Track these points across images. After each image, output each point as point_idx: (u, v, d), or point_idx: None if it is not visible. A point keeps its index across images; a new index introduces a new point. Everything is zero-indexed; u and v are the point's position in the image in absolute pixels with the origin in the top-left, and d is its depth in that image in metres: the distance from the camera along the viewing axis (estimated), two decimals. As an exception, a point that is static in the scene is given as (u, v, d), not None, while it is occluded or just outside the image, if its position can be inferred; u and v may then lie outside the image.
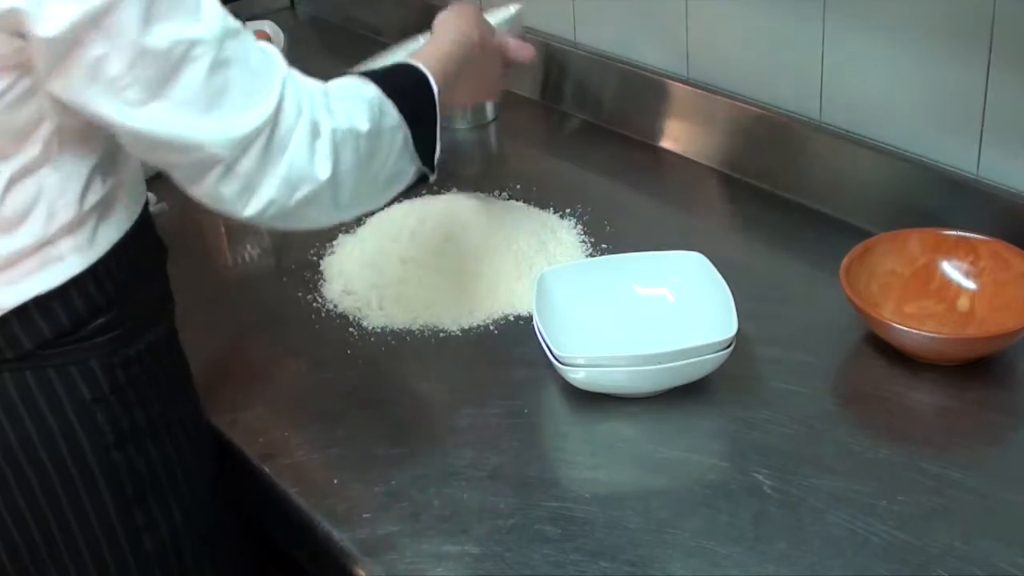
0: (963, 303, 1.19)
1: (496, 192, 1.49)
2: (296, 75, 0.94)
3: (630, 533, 0.98)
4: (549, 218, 1.43)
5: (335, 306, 1.31)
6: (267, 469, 1.09)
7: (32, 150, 0.90)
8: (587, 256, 1.36)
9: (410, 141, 1.02)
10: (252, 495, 1.13)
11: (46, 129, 0.89)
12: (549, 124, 1.75)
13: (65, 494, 0.99)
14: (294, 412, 1.16)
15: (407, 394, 1.19)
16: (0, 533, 0.99)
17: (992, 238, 1.20)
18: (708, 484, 1.02)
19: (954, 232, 1.21)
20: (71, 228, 0.94)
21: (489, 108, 1.74)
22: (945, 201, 1.31)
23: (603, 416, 1.12)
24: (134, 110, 0.85)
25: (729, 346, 1.09)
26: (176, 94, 0.85)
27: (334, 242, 1.41)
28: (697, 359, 1.09)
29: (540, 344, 1.13)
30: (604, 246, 1.38)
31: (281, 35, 1.97)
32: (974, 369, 1.13)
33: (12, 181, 0.90)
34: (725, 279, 1.16)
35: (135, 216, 1.01)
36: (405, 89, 1.04)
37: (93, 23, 0.81)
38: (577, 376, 1.11)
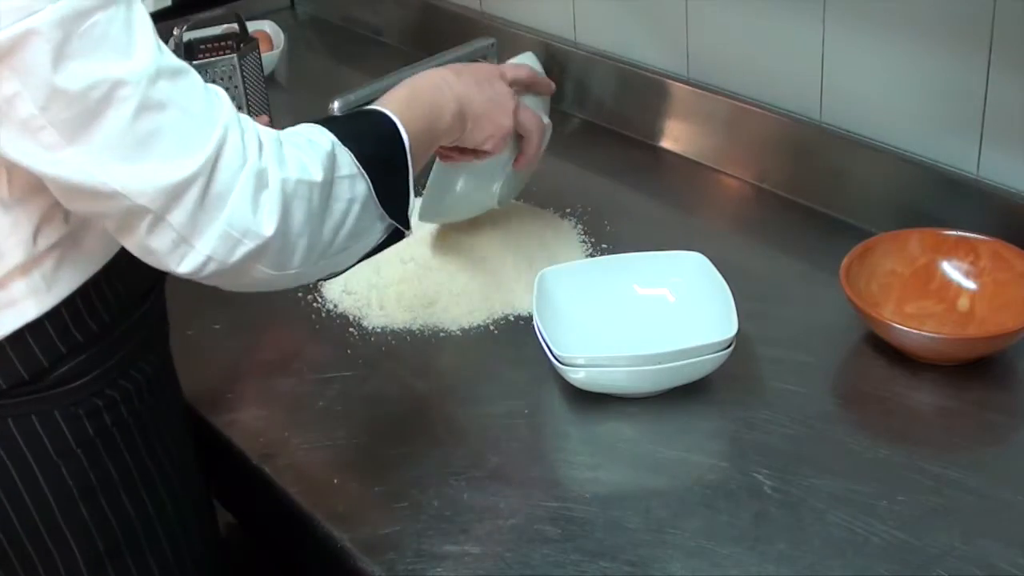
0: (963, 303, 1.19)
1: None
2: (247, 121, 0.85)
3: (630, 533, 0.98)
4: (549, 218, 1.43)
5: (335, 306, 1.31)
6: (267, 469, 1.09)
7: None
8: (587, 256, 1.36)
9: (373, 193, 0.92)
10: (252, 495, 1.13)
11: None
12: (549, 124, 1.75)
13: (34, 550, 0.95)
14: (294, 412, 1.16)
15: (407, 394, 1.19)
16: None
17: (992, 238, 1.19)
18: (708, 484, 1.02)
19: (954, 232, 1.21)
20: (24, 270, 0.89)
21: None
22: (945, 201, 1.31)
23: (603, 416, 1.12)
24: (51, 154, 0.78)
25: (729, 346, 1.09)
26: (96, 138, 0.78)
27: (334, 242, 1.41)
28: (697, 359, 1.09)
29: (540, 344, 1.13)
30: (604, 246, 1.38)
31: (281, 35, 1.98)
32: (974, 369, 1.13)
33: None
34: (725, 279, 1.16)
35: (111, 254, 0.95)
36: (365, 135, 0.94)
37: (2, 59, 0.75)
38: (577, 376, 1.11)
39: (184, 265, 0.84)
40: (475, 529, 1.00)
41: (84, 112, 0.77)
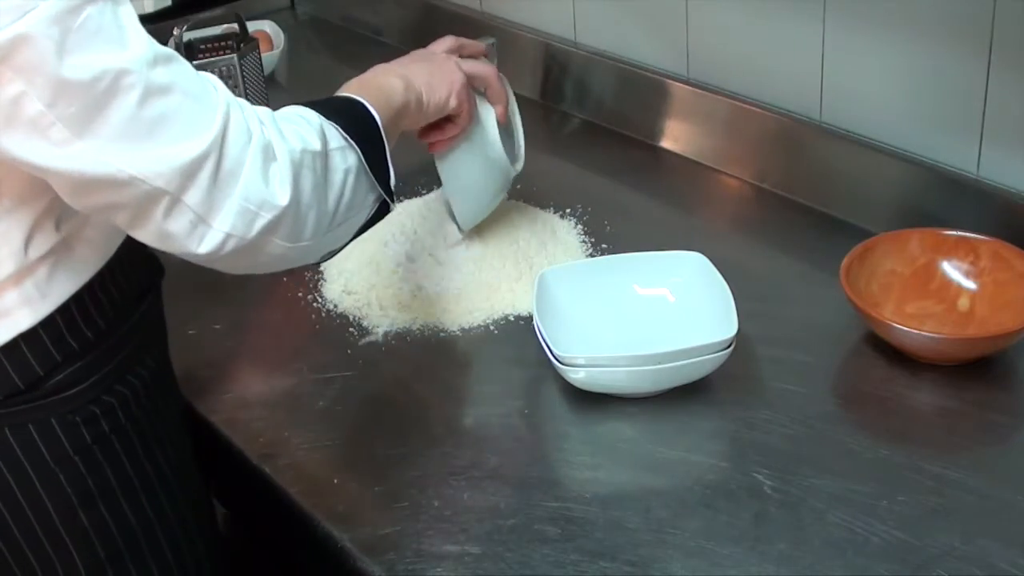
0: (963, 303, 1.19)
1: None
2: (242, 101, 0.87)
3: (630, 533, 0.98)
4: (549, 218, 1.43)
5: (335, 306, 1.31)
6: (267, 469, 1.09)
7: None
8: (587, 256, 1.36)
9: (364, 163, 0.96)
10: (252, 495, 1.13)
11: None
12: (549, 124, 1.75)
13: (35, 558, 0.95)
14: (294, 412, 1.16)
15: (407, 394, 1.19)
16: None
17: (992, 238, 1.19)
18: (708, 484, 1.02)
19: (954, 232, 1.21)
20: (16, 280, 0.89)
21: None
22: (945, 201, 1.31)
23: (603, 416, 1.12)
24: (62, 149, 0.78)
25: (729, 346, 1.09)
26: (106, 129, 0.78)
27: (334, 242, 1.41)
28: (697, 359, 1.09)
29: (540, 344, 1.13)
30: (604, 246, 1.38)
31: (281, 35, 1.98)
32: (974, 369, 1.13)
33: None
34: (725, 279, 1.16)
35: (105, 259, 0.95)
36: (343, 113, 0.97)
37: (3, 61, 0.75)
38: (577, 376, 1.11)
39: (204, 245, 0.85)
40: (475, 529, 1.00)
41: (91, 104, 0.78)
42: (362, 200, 0.97)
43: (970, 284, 1.20)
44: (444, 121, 1.20)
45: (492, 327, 1.26)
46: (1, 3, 0.74)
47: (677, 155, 1.60)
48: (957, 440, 1.07)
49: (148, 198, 0.82)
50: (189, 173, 0.81)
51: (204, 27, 1.71)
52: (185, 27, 1.68)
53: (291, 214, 0.87)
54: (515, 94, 1.34)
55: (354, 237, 1.01)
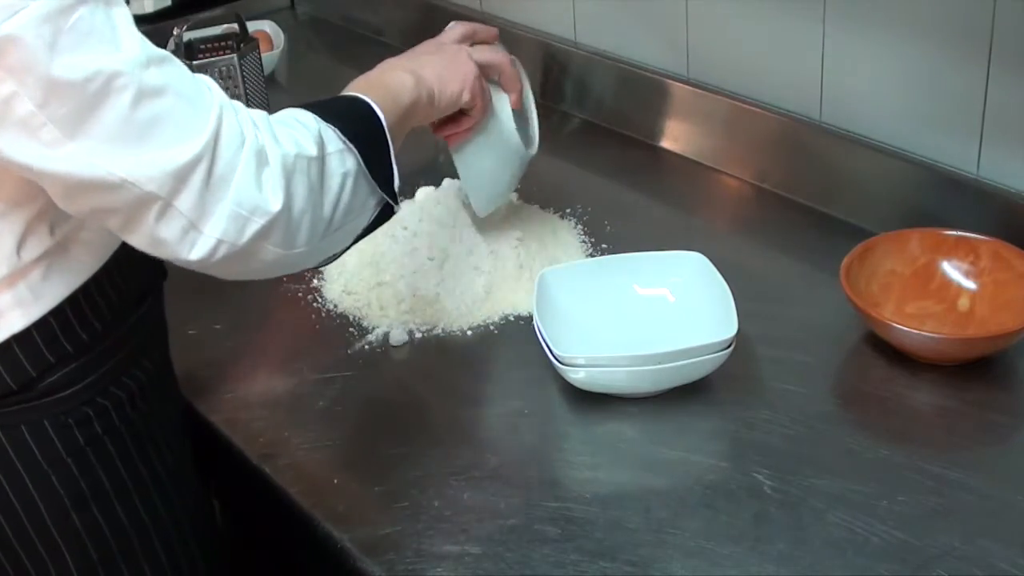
0: (963, 303, 1.19)
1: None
2: (237, 103, 0.86)
3: (630, 533, 0.98)
4: (549, 218, 1.43)
5: (335, 306, 1.31)
6: (267, 469, 1.09)
7: None
8: (587, 256, 1.36)
9: (363, 167, 0.94)
10: (252, 495, 1.13)
11: None
12: (549, 124, 1.74)
13: (28, 558, 0.95)
14: (294, 412, 1.16)
15: (407, 394, 1.19)
16: None
17: (992, 238, 1.19)
18: (708, 484, 1.02)
19: (954, 232, 1.21)
20: (9, 282, 0.88)
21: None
22: (945, 201, 1.31)
23: (603, 416, 1.12)
24: (52, 151, 0.77)
25: (729, 346, 1.09)
26: (98, 130, 0.77)
27: (334, 242, 1.41)
28: (697, 359, 1.09)
29: (540, 344, 1.13)
30: (604, 246, 1.38)
31: (281, 35, 1.98)
32: (974, 369, 1.13)
33: None
34: (725, 279, 1.16)
35: (102, 262, 0.95)
36: (344, 114, 0.95)
37: None
38: (577, 376, 1.11)
39: (195, 252, 0.83)
40: (475, 529, 1.00)
41: (83, 105, 0.77)
42: (361, 204, 0.95)
43: (970, 284, 1.20)
44: (458, 114, 1.19)
45: (492, 327, 1.26)
46: None
47: (677, 155, 1.60)
48: (957, 440, 1.07)
49: (139, 202, 0.81)
50: (181, 177, 0.80)
51: (204, 27, 1.71)
52: (185, 27, 1.69)
53: (284, 220, 0.85)
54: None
55: (357, 240, 0.99)
